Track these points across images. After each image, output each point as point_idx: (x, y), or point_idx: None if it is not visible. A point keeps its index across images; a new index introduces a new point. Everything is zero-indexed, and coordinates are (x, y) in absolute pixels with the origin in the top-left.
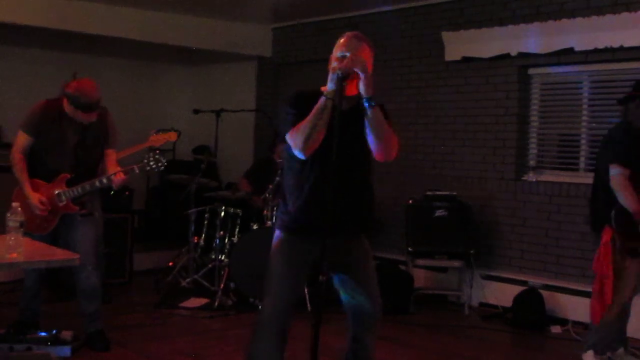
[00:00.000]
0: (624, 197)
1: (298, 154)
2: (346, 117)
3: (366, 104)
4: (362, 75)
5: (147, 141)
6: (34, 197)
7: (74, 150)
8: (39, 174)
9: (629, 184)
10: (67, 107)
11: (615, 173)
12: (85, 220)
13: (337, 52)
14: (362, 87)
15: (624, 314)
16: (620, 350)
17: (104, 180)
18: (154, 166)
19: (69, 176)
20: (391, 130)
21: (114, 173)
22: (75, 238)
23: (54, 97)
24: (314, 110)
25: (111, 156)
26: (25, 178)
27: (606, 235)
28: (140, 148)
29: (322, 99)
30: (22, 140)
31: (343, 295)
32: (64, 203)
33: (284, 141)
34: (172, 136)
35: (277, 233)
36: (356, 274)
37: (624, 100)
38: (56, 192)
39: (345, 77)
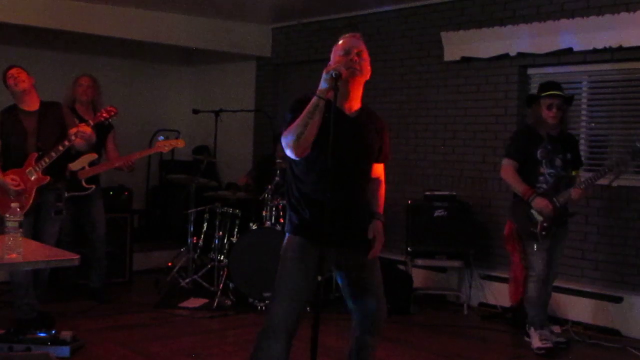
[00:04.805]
0: (512, 182)
1: (289, 153)
2: (354, 124)
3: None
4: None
5: (155, 147)
6: (5, 178)
7: (35, 133)
8: (15, 164)
9: (516, 173)
10: (13, 91)
11: (504, 164)
12: (57, 218)
13: (339, 52)
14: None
15: (542, 290)
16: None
17: (67, 142)
18: (107, 117)
19: (36, 154)
20: (383, 185)
21: (75, 131)
22: (42, 236)
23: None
24: (305, 110)
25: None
26: None
27: (507, 228)
28: (148, 153)
29: (314, 98)
30: None
31: (349, 298)
32: (35, 177)
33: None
34: (179, 143)
35: (289, 236)
36: (365, 276)
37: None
38: (27, 170)
39: (339, 75)
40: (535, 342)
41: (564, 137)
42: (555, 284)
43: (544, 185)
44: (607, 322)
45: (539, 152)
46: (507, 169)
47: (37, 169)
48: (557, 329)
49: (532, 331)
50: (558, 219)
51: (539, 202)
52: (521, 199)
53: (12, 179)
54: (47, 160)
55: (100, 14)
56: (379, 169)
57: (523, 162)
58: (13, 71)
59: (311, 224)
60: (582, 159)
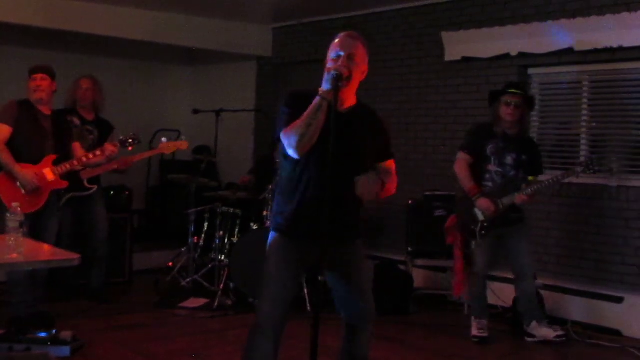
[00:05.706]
0: (462, 178)
1: (292, 153)
2: (344, 119)
3: None
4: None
5: (158, 148)
6: (28, 172)
7: (52, 135)
8: (25, 160)
9: (468, 168)
10: (31, 94)
11: (458, 157)
12: (58, 215)
13: (332, 53)
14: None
15: (483, 285)
16: (534, 324)
17: (91, 156)
18: (132, 142)
19: (54, 157)
20: (395, 178)
21: (99, 149)
22: (45, 233)
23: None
24: (308, 110)
25: (79, 147)
26: (13, 161)
27: (450, 220)
28: (150, 154)
29: (317, 98)
30: (2, 131)
31: (337, 296)
32: (54, 179)
33: (279, 141)
34: (183, 144)
35: (272, 234)
36: (350, 275)
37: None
38: (44, 170)
39: (340, 76)
40: (473, 330)
41: (521, 139)
42: (556, 284)
43: (490, 184)
44: (607, 322)
45: (489, 147)
46: (460, 163)
47: (57, 173)
48: (556, 329)
49: (472, 319)
50: (501, 220)
51: (482, 203)
52: (468, 196)
53: (37, 175)
54: (68, 167)
55: (100, 14)
56: (387, 165)
57: (477, 158)
58: (38, 76)
59: (297, 223)
60: (583, 159)
